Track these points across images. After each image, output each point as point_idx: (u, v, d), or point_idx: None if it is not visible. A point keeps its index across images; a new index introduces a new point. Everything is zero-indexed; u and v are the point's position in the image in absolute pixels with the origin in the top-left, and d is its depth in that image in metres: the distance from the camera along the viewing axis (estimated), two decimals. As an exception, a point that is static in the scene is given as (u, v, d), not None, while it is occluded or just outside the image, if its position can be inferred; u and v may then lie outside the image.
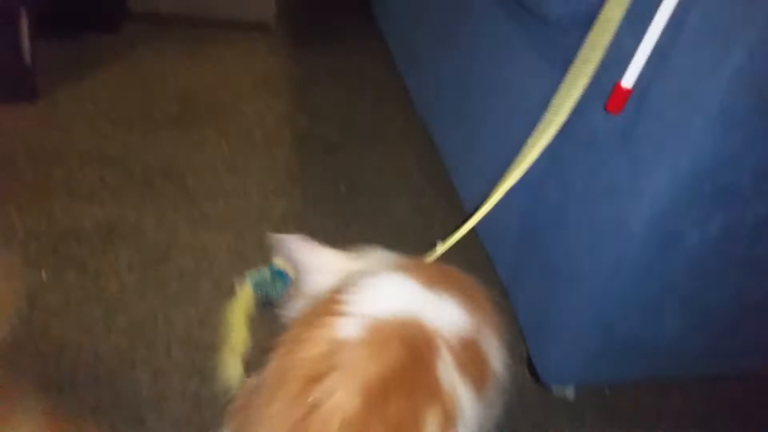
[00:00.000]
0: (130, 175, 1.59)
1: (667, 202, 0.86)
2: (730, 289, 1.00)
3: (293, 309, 0.86)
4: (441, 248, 0.94)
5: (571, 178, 1.02)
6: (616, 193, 0.91)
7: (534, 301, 1.16)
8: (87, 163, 1.60)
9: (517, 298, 1.21)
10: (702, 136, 0.80)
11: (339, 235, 1.46)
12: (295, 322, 0.74)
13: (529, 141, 0.89)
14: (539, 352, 1.14)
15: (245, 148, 1.74)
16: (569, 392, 1.18)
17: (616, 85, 0.82)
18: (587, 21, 0.85)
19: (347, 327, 0.68)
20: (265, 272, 0.97)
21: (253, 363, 0.79)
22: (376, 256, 0.88)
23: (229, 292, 0.96)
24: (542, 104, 0.90)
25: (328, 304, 0.72)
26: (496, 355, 0.80)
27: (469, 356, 0.74)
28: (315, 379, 0.64)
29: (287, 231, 1.47)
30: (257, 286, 0.96)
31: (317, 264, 0.87)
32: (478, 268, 1.42)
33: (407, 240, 1.49)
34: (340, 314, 0.70)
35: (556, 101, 0.86)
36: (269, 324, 0.86)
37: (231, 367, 0.89)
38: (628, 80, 0.81)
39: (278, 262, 0.96)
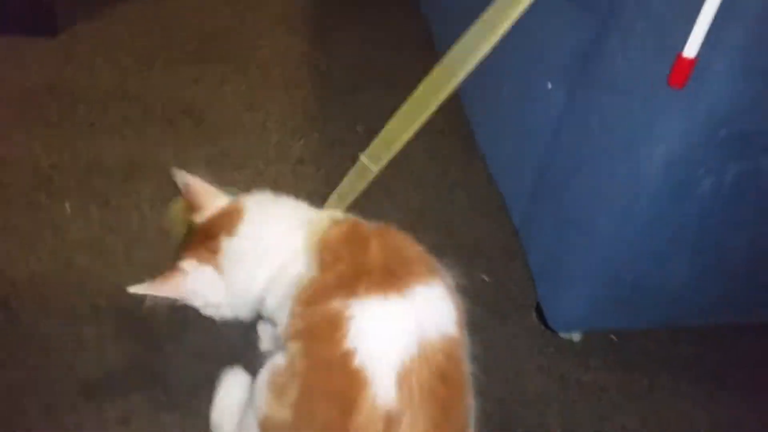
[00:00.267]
0: (151, 111, 1.60)
1: (681, 149, 0.85)
2: (742, 239, 0.99)
3: None
4: (364, 159, 0.94)
5: (588, 125, 1.00)
6: (632, 139, 0.90)
7: (545, 248, 1.17)
8: (109, 99, 1.62)
9: (529, 244, 1.22)
10: (721, 81, 0.78)
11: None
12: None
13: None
14: (548, 297, 1.16)
15: (264, 87, 1.73)
16: (576, 337, 1.20)
17: (678, 57, 0.75)
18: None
19: None
20: None
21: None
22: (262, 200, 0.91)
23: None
24: (570, 55, 0.88)
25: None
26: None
27: None
28: None
29: (304, 171, 1.50)
30: None
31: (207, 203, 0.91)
32: (491, 216, 1.44)
33: (423, 184, 1.50)
34: None
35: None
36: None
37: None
38: (690, 50, 0.74)
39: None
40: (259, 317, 0.93)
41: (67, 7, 1.84)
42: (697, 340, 1.24)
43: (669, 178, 0.88)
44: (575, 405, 1.12)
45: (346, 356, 0.67)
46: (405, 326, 0.69)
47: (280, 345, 0.79)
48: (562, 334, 1.20)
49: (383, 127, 0.92)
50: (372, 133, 0.96)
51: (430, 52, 1.84)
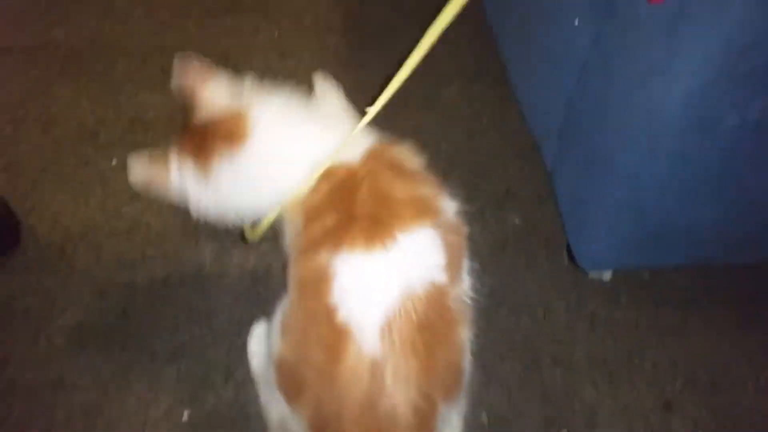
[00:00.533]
0: (188, 63, 1.64)
1: (701, 84, 0.83)
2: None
3: None
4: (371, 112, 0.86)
5: (611, 63, 0.99)
6: (654, 75, 0.88)
7: (572, 187, 1.17)
8: (148, 53, 1.66)
9: (558, 184, 1.22)
10: (739, 11, 0.76)
11: (387, 121, 1.48)
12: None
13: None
14: (577, 237, 1.17)
15: (296, 34, 1.74)
16: (606, 276, 1.21)
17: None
18: None
19: None
20: None
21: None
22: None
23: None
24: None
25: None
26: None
27: None
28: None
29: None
30: None
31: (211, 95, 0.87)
32: (524, 159, 1.44)
33: (455, 125, 1.50)
34: None
35: None
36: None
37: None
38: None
39: None
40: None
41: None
42: (729, 275, 1.24)
43: (690, 113, 0.87)
44: (604, 342, 1.15)
45: (331, 311, 0.69)
46: (387, 282, 0.70)
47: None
48: (592, 274, 1.21)
49: (416, 69, 0.86)
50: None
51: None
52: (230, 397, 1.06)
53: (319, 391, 0.72)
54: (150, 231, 1.27)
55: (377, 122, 0.89)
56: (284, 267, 0.94)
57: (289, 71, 1.62)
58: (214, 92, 0.87)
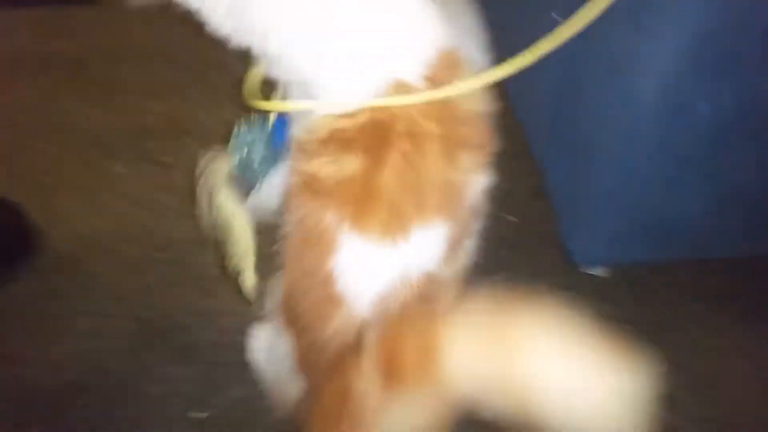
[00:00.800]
0: (188, 69, 1.68)
1: (671, 73, 0.86)
2: (756, 166, 1.00)
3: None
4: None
5: (588, 54, 1.02)
6: (625, 65, 0.91)
7: (563, 182, 1.21)
8: (149, 60, 1.69)
9: (550, 180, 1.26)
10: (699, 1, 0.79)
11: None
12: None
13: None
14: (569, 232, 1.20)
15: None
16: (600, 272, 1.24)
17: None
18: None
19: None
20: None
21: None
22: None
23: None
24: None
25: None
26: None
27: None
28: None
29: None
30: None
31: None
32: (518, 157, 1.46)
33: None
34: None
35: None
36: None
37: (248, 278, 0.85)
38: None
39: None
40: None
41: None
42: (727, 271, 1.24)
43: (664, 102, 0.90)
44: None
45: (328, 278, 0.68)
46: (390, 271, 0.68)
47: None
48: (586, 269, 1.23)
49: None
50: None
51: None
52: (241, 396, 1.09)
53: (307, 329, 0.73)
54: (156, 236, 1.31)
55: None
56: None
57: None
58: None
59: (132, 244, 1.30)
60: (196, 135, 1.51)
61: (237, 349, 1.13)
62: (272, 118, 0.79)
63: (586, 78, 1.06)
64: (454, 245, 0.73)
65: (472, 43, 0.76)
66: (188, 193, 1.37)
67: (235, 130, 0.81)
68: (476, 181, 0.73)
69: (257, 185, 0.81)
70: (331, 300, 0.70)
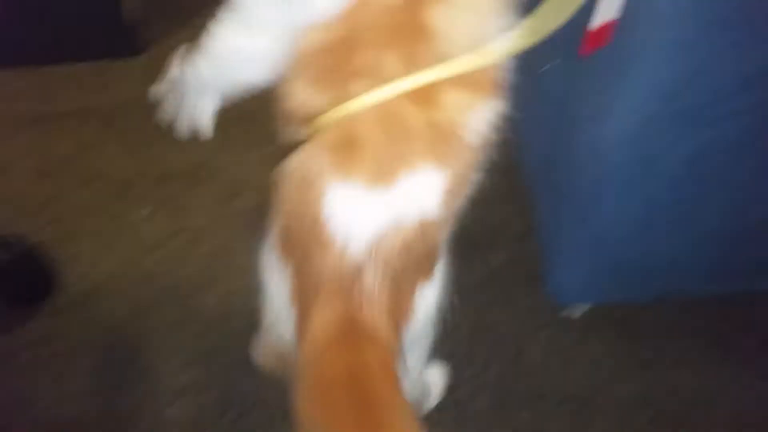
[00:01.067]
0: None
1: (631, 127, 0.89)
2: (723, 209, 1.01)
3: None
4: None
5: (559, 103, 1.08)
6: (592, 113, 0.95)
7: (548, 223, 1.24)
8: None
9: (536, 221, 1.30)
10: (658, 57, 0.82)
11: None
12: None
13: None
14: (550, 271, 1.22)
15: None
16: (578, 311, 1.25)
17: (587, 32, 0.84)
18: None
19: None
20: None
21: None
22: None
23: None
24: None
25: None
26: None
27: None
28: None
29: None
30: None
31: None
32: (515, 201, 1.48)
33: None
34: None
35: None
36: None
37: None
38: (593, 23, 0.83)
39: None
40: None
41: (153, 24, 2.03)
42: (703, 310, 1.26)
43: (627, 154, 0.93)
44: (575, 377, 1.19)
45: (317, 224, 0.68)
46: (381, 218, 0.67)
47: None
48: (566, 309, 1.26)
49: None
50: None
51: None
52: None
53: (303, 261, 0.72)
54: (173, 277, 1.41)
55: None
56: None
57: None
58: None
59: (139, 287, 1.40)
60: (215, 177, 1.63)
61: (226, 388, 1.21)
62: None
63: (566, 122, 1.10)
64: (455, 188, 0.70)
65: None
66: (202, 235, 1.49)
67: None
68: (475, 118, 0.70)
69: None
70: (321, 245, 0.68)
